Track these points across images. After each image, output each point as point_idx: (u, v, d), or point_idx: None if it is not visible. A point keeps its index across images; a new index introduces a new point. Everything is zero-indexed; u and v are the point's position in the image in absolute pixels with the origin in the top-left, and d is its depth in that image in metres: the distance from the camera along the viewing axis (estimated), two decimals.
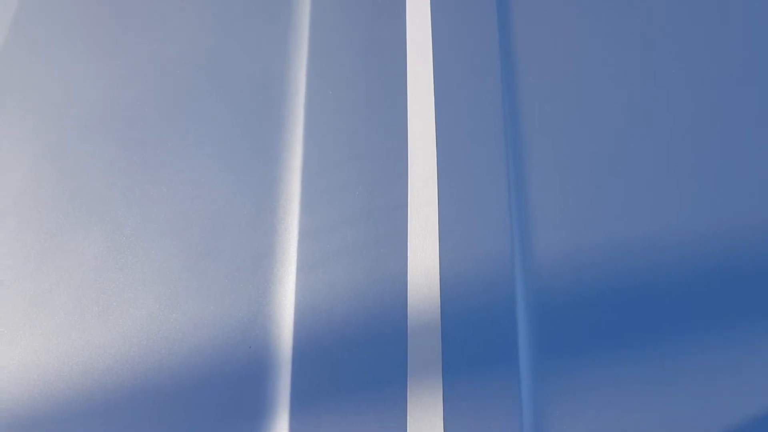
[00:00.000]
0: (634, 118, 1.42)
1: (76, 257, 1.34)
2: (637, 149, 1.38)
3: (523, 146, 1.35)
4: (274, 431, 1.16)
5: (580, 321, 1.21)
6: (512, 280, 1.23)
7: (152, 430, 1.17)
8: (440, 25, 1.49)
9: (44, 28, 1.60)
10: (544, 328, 1.21)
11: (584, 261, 1.27)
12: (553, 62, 1.48)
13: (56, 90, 1.50)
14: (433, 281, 1.23)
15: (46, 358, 1.25)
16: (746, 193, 1.35)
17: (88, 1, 1.64)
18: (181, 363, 1.24)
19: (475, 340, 1.19)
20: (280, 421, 1.16)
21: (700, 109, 1.46)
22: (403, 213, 1.31)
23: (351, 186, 1.35)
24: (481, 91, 1.38)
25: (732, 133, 1.42)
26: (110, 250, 1.35)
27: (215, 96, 1.47)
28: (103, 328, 1.27)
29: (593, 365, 1.18)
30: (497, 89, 1.39)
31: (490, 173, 1.32)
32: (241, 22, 1.58)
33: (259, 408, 1.19)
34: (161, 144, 1.43)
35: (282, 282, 1.29)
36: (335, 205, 1.33)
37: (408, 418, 1.14)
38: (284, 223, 1.33)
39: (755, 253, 1.28)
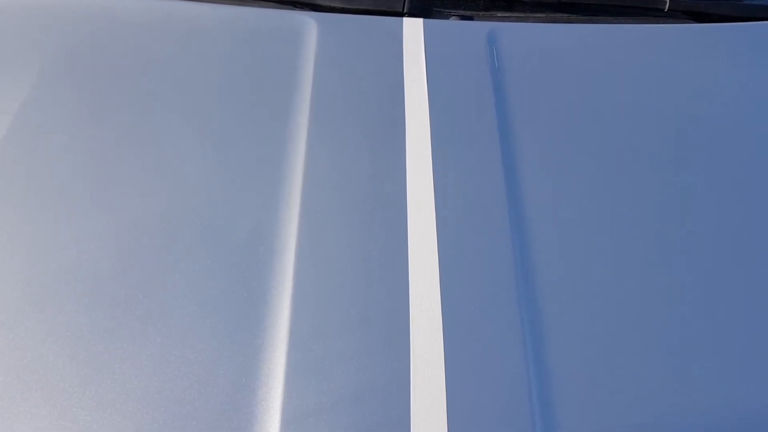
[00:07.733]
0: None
1: None
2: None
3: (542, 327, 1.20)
4: None
5: None
6: None
7: None
8: (442, 184, 1.40)
9: (21, 178, 1.52)
10: None
11: None
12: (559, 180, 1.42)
13: (19, 248, 1.37)
14: None
15: None
16: None
17: (68, 154, 1.57)
18: None
19: None
20: None
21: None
22: (405, 392, 1.11)
23: (344, 360, 1.16)
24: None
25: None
26: None
27: (199, 256, 1.34)
28: None
29: None
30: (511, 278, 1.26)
31: (509, 386, 1.14)
32: (232, 177, 1.49)
33: None
34: (131, 311, 1.26)
35: None
36: (325, 384, 1.13)
37: None
38: (264, 406, 1.12)
39: None
